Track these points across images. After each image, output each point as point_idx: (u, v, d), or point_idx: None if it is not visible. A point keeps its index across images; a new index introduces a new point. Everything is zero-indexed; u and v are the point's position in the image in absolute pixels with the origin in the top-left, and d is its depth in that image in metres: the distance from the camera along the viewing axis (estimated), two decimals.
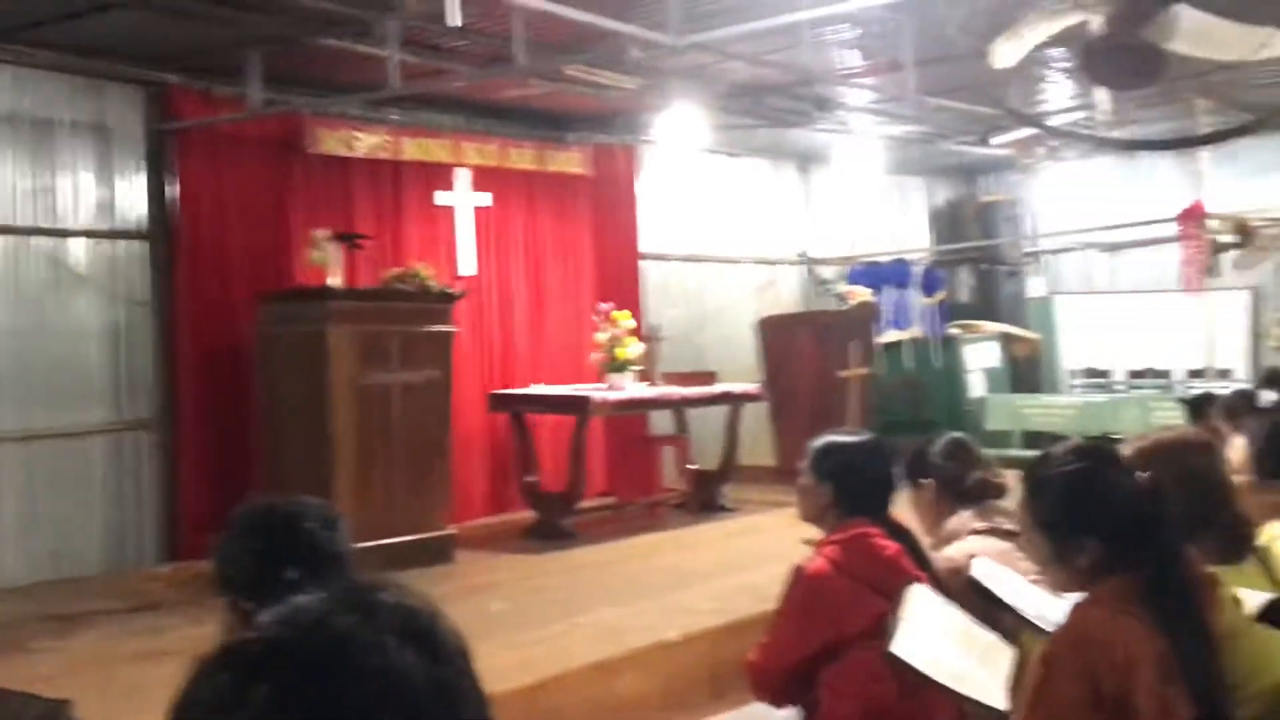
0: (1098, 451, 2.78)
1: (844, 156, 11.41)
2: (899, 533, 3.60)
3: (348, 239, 8.14)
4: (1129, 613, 2.57)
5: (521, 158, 9.94)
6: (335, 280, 7.80)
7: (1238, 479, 3.82)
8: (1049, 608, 3.03)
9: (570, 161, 10.30)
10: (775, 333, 10.59)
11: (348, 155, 8.92)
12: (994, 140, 11.08)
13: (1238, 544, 3.36)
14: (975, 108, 9.24)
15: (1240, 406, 5.40)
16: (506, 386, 9.48)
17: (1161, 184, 12.79)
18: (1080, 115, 10.17)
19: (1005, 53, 4.07)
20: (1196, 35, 4.88)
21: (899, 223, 14.41)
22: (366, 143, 8.99)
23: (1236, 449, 3.92)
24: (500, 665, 5.38)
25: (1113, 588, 2.61)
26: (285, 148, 8.68)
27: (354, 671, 0.93)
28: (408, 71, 7.45)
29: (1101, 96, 8.16)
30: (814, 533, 3.71)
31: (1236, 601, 2.95)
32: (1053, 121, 10.29)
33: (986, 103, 8.38)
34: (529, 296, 10.10)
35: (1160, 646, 2.55)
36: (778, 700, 3.63)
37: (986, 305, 13.95)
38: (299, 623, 0.97)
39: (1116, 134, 8.57)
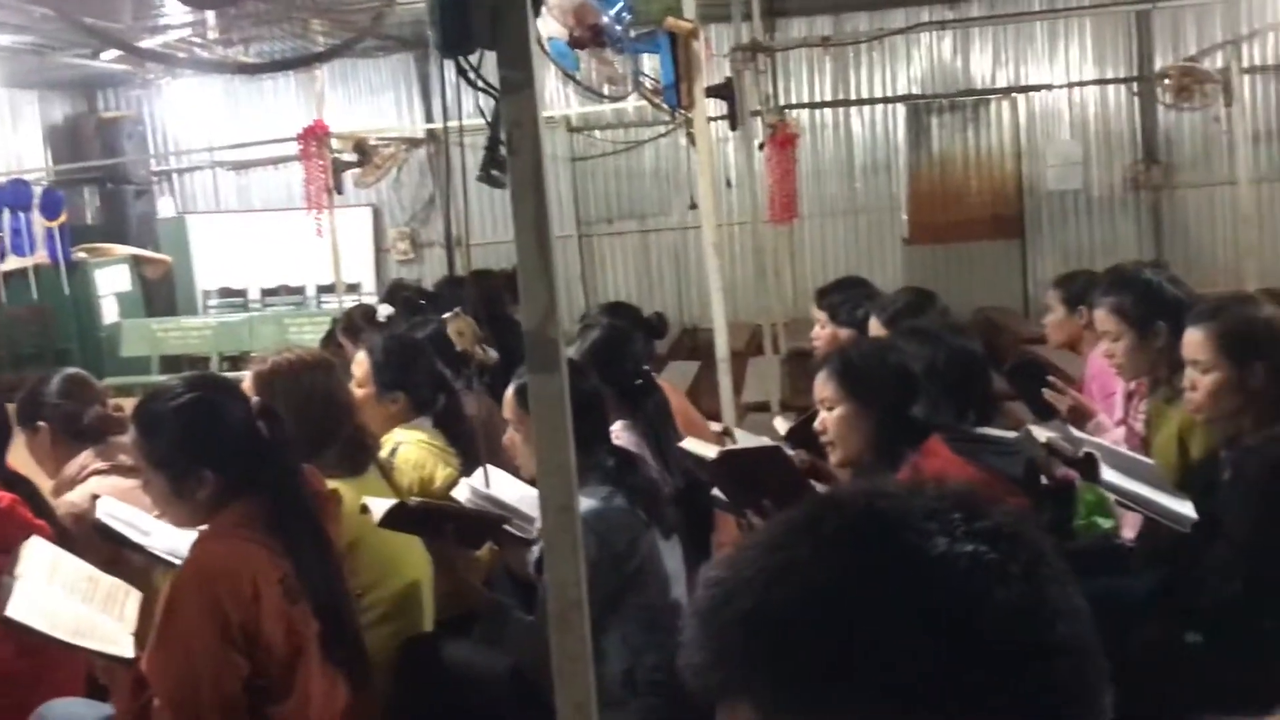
0: (207, 381, 2.74)
1: None
2: (14, 482, 3.33)
3: None
4: (251, 539, 2.58)
5: None
6: None
7: (361, 393, 4.00)
8: (180, 542, 2.96)
9: None
10: None
11: None
12: (105, 55, 10.52)
13: (359, 456, 3.52)
14: (84, 20, 8.69)
15: (360, 322, 5.66)
16: None
17: (285, 103, 13.04)
18: (191, 34, 9.96)
19: None
20: None
21: (12, 141, 13.27)
22: None
23: (359, 364, 4.07)
24: None
25: (233, 516, 2.60)
26: None
27: None
28: None
29: (210, 15, 8.05)
30: None
31: (364, 510, 3.08)
32: (171, 37, 9.97)
33: (66, 19, 7.86)
34: None
35: (284, 568, 2.59)
36: None
37: (115, 227, 13.34)
38: None
39: (226, 54, 8.51)
